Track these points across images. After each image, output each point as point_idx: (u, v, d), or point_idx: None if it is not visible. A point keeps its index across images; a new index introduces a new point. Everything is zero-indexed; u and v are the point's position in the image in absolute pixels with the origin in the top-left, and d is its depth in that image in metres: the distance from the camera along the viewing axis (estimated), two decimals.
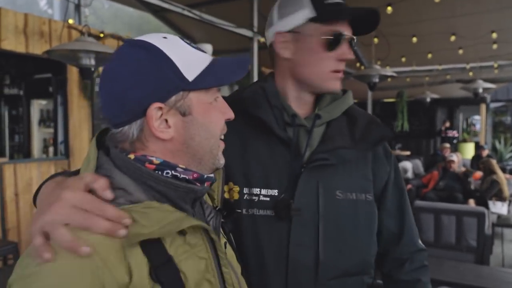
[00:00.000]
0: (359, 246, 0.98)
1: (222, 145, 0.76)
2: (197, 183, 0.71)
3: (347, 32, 0.94)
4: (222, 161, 0.76)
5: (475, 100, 9.06)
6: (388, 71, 5.07)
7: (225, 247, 0.78)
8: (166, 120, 0.67)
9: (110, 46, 5.05)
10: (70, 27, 4.92)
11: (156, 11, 6.36)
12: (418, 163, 8.73)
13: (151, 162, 0.67)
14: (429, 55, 7.00)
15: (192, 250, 0.67)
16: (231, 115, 0.76)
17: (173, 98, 0.66)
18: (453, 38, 5.88)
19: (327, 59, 0.94)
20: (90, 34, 5.22)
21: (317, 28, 0.93)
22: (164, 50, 0.66)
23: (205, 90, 0.69)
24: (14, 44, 4.38)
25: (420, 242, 1.12)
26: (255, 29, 5.32)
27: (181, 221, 0.64)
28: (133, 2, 5.21)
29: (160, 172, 0.68)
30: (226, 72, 0.71)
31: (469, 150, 11.38)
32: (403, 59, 7.39)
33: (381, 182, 1.04)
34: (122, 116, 0.66)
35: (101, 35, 5.36)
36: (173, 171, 0.68)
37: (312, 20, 0.93)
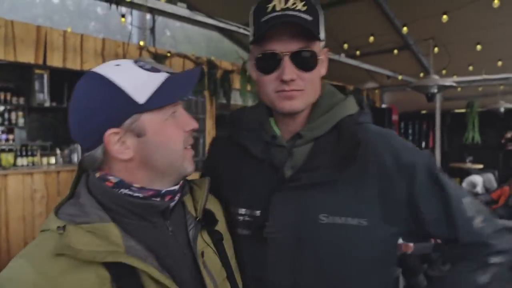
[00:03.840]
0: (345, 274, 0.89)
1: (188, 154, 0.79)
2: (156, 199, 0.76)
3: (280, 48, 0.87)
4: (189, 169, 0.79)
5: None
6: (448, 80, 4.89)
7: (203, 256, 0.81)
8: (125, 142, 0.73)
9: (167, 65, 5.48)
10: (141, 48, 5.47)
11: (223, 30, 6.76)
12: (491, 177, 8.12)
13: (109, 181, 0.74)
14: (499, 63, 6.59)
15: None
16: (193, 125, 0.79)
17: (128, 121, 0.71)
18: None
19: (269, 81, 0.91)
20: (157, 54, 5.76)
21: (254, 50, 0.92)
22: (112, 78, 0.71)
23: (158, 109, 0.73)
24: (93, 66, 4.99)
25: (487, 232, 0.92)
26: None
27: (110, 254, 0.67)
28: (204, 24, 5.60)
29: (117, 190, 0.73)
30: (175, 89, 0.74)
31: None
32: (471, 68, 7.03)
33: (397, 201, 0.90)
34: (88, 142, 0.74)
35: (168, 54, 5.86)
36: (127, 190, 0.73)
37: (252, 42, 0.92)
